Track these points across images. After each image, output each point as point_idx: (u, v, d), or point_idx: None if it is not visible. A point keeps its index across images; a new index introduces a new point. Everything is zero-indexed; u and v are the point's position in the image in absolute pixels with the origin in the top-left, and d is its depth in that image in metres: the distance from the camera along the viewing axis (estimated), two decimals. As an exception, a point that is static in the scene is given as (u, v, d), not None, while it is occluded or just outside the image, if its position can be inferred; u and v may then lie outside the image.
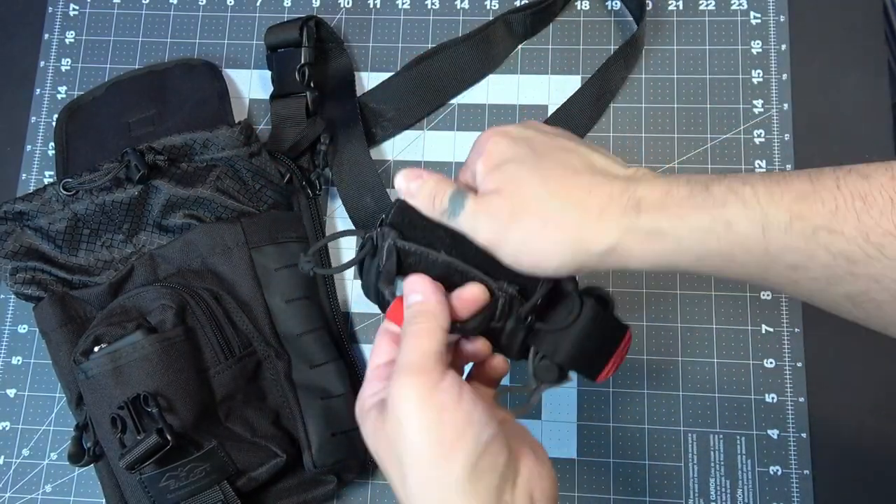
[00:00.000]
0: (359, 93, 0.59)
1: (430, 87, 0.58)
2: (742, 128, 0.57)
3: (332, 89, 0.58)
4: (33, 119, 0.62)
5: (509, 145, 0.35)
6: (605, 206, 0.32)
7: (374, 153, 0.59)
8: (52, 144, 0.61)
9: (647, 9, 0.58)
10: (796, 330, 0.53)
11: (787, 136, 0.56)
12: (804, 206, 0.28)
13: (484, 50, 0.53)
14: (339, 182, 0.56)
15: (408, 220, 0.37)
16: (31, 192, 0.52)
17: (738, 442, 0.52)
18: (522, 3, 0.60)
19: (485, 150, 0.36)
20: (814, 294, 0.30)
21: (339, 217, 0.58)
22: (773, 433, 0.52)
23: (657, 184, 0.32)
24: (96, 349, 0.47)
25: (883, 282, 0.27)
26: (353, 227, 0.56)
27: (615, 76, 0.57)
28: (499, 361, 0.38)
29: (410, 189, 0.37)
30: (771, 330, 0.53)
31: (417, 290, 0.35)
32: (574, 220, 0.32)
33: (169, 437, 0.44)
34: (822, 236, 0.28)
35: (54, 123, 0.59)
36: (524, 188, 0.34)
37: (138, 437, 0.45)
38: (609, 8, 0.60)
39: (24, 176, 0.61)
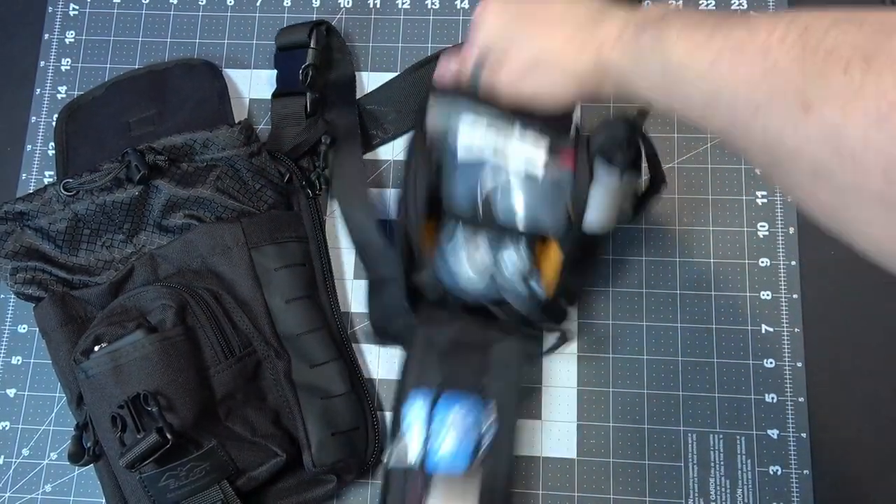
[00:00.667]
0: (358, 93, 0.59)
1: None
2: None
3: (334, 97, 0.58)
4: (33, 119, 0.62)
5: (501, 13, 0.44)
6: (581, 48, 0.40)
7: (374, 154, 0.59)
8: (52, 144, 0.61)
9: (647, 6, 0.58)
10: (796, 330, 0.53)
11: (787, 136, 0.56)
12: (694, 54, 0.33)
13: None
14: (338, 194, 0.56)
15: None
16: (31, 192, 0.52)
17: (738, 442, 0.52)
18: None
19: (483, 24, 0.44)
20: (698, 122, 0.35)
21: (338, 217, 0.58)
22: (773, 433, 0.52)
23: (615, 25, 0.39)
24: (97, 348, 0.47)
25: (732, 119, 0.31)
26: (352, 241, 0.57)
27: None
28: None
29: (451, 70, 0.47)
30: (771, 330, 0.53)
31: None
32: (563, 63, 0.41)
33: (169, 436, 0.44)
34: (697, 82, 0.33)
35: (54, 123, 0.59)
36: (523, 50, 0.43)
37: (138, 436, 0.45)
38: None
39: (24, 176, 0.61)
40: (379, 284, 0.55)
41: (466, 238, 0.48)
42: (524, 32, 0.43)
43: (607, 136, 0.44)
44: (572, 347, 0.54)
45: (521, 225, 0.46)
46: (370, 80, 0.60)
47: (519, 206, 0.46)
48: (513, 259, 0.48)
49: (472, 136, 0.46)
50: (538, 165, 0.45)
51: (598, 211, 0.44)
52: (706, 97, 0.32)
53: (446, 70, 0.47)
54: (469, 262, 0.48)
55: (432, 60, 0.58)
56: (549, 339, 0.54)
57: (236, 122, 0.53)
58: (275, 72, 0.60)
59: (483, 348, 0.50)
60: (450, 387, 0.49)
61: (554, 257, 0.48)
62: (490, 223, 0.47)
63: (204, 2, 0.63)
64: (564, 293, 0.49)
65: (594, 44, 0.40)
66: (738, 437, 0.52)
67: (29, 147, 0.61)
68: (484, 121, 0.46)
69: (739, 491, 0.51)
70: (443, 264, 0.49)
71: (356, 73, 0.60)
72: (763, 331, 0.53)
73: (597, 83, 0.40)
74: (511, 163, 0.45)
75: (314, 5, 0.62)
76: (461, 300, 0.50)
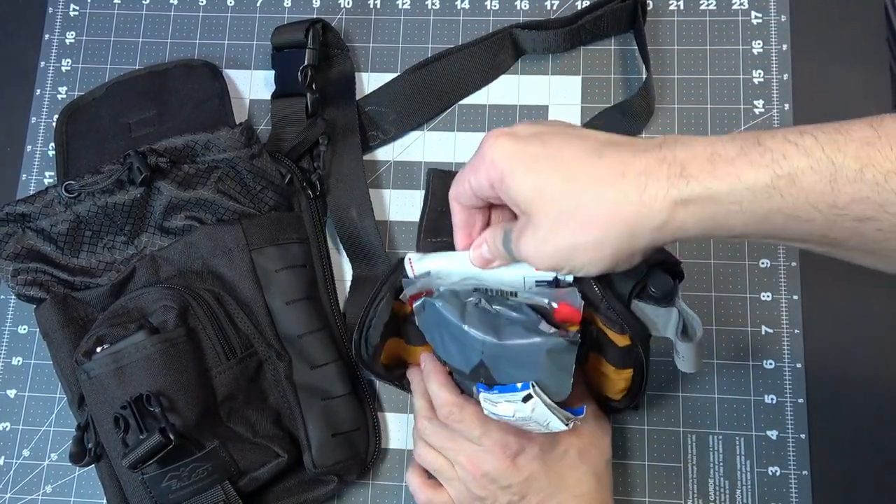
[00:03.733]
0: (359, 94, 0.59)
1: (432, 91, 0.58)
2: (743, 128, 0.57)
3: (333, 94, 0.58)
4: (33, 119, 0.62)
5: (518, 149, 0.33)
6: (644, 184, 0.29)
7: (374, 155, 0.59)
8: (52, 145, 0.61)
9: (648, 8, 0.58)
10: (796, 331, 0.53)
11: (787, 137, 0.56)
12: (872, 152, 0.27)
13: (489, 58, 0.53)
14: (331, 188, 0.56)
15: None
16: (32, 193, 0.52)
17: (738, 443, 0.52)
18: (524, 4, 0.60)
19: (494, 162, 0.33)
20: (878, 243, 0.28)
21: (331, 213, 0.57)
22: (772, 434, 0.52)
23: (697, 145, 0.30)
24: (98, 349, 0.47)
25: None
26: (338, 236, 0.56)
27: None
28: None
29: (485, 257, 0.39)
30: (770, 331, 0.53)
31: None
32: (614, 210, 0.30)
33: (171, 437, 0.44)
34: (894, 182, 0.26)
35: (54, 124, 0.59)
36: (551, 195, 0.32)
37: (141, 437, 0.45)
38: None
39: (24, 176, 0.61)
40: (363, 283, 0.55)
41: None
42: (554, 167, 0.32)
43: (658, 288, 0.37)
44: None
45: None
46: (370, 81, 0.60)
47: (519, 371, 0.40)
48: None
49: (459, 286, 0.42)
50: (536, 326, 0.39)
51: (692, 358, 0.39)
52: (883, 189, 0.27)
53: (483, 262, 0.39)
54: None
55: (432, 61, 0.58)
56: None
57: (237, 123, 0.53)
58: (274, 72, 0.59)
59: None
60: None
61: (618, 376, 0.44)
62: (492, 384, 0.41)
63: (204, 2, 0.63)
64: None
65: (673, 165, 0.30)
66: (737, 437, 0.52)
67: (29, 148, 0.61)
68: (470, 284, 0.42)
69: (738, 492, 0.51)
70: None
71: (356, 74, 0.60)
72: (763, 332, 0.53)
73: (668, 223, 0.30)
74: (503, 332, 0.39)
75: (314, 6, 0.62)
76: None
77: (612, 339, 0.42)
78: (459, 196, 0.38)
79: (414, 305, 0.44)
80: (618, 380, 0.44)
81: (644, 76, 0.57)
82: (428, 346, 0.48)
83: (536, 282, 0.39)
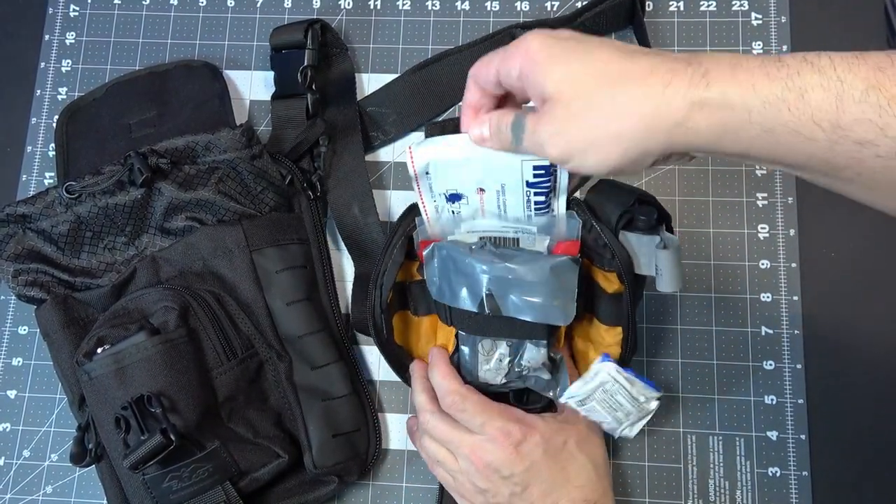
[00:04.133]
0: (359, 94, 0.59)
1: (432, 92, 0.58)
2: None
3: (334, 94, 0.58)
4: (34, 120, 0.62)
5: (556, 42, 0.35)
6: (669, 81, 0.31)
7: (375, 155, 0.59)
8: (52, 146, 0.61)
9: (648, 9, 0.58)
10: (796, 332, 0.53)
11: (787, 138, 0.56)
12: (882, 77, 0.28)
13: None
14: (332, 187, 0.57)
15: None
16: (33, 194, 0.52)
17: (738, 443, 0.52)
18: (524, 6, 0.61)
19: (530, 50, 0.35)
20: (876, 173, 0.29)
21: (332, 214, 0.57)
22: (772, 435, 0.52)
23: (723, 56, 0.32)
24: (99, 350, 0.47)
25: None
26: (340, 234, 0.57)
27: None
28: None
29: (484, 135, 0.39)
30: (771, 332, 0.53)
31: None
32: (637, 103, 0.32)
33: (172, 437, 0.44)
34: None
35: (55, 125, 0.59)
36: (581, 84, 0.33)
37: (142, 438, 0.45)
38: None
39: (24, 177, 0.61)
40: (367, 280, 0.55)
41: (482, 345, 0.46)
42: (587, 61, 0.34)
43: (645, 216, 0.40)
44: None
45: (530, 316, 0.42)
46: (371, 82, 0.60)
47: (525, 295, 0.42)
48: (533, 354, 0.46)
49: (473, 224, 0.44)
50: (541, 249, 0.43)
51: (671, 274, 0.40)
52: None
53: (479, 138, 0.39)
54: (485, 362, 0.47)
55: (432, 62, 0.58)
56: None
57: (237, 124, 0.53)
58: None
59: None
60: None
61: (609, 338, 0.46)
62: (498, 320, 0.43)
63: (204, 3, 0.63)
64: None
65: (698, 70, 0.31)
66: (737, 438, 0.52)
67: (29, 148, 0.61)
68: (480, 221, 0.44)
69: (738, 492, 0.51)
70: (459, 362, 0.48)
71: (356, 75, 0.60)
72: (763, 333, 0.53)
73: (684, 123, 0.31)
74: (510, 259, 0.42)
75: (314, 6, 0.62)
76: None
77: (602, 284, 0.44)
78: (479, 77, 0.39)
79: (424, 253, 0.46)
80: (610, 345, 0.46)
81: None
82: (433, 317, 0.49)
83: (534, 166, 0.39)
